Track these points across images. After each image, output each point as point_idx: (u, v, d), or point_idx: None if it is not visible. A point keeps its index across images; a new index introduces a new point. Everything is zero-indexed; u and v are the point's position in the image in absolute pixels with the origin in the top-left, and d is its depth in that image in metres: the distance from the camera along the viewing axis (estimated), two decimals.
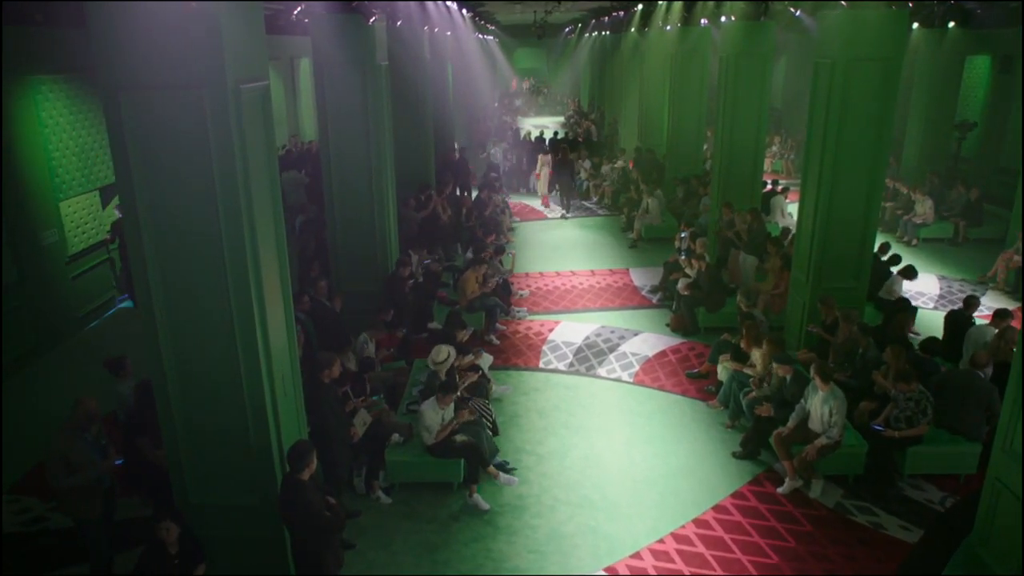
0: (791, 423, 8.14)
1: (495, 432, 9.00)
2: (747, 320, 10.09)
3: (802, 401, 8.17)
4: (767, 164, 23.22)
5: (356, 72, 10.95)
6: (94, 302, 13.04)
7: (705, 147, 21.27)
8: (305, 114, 25.65)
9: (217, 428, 5.96)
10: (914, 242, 16.75)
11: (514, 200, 21.54)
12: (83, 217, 12.96)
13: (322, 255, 12.44)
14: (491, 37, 38.33)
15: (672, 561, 7.01)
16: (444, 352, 8.68)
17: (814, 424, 8.01)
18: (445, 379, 8.29)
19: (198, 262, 5.52)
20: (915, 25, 18.74)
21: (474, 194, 19.65)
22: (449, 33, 21.67)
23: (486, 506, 7.78)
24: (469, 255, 13.40)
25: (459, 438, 7.96)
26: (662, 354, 11.37)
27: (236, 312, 5.62)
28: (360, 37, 10.87)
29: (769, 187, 17.20)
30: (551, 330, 12.34)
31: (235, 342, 5.68)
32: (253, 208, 5.54)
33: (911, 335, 10.76)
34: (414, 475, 8.09)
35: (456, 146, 22.64)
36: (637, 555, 7.09)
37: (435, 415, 7.90)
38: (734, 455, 8.66)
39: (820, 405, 7.88)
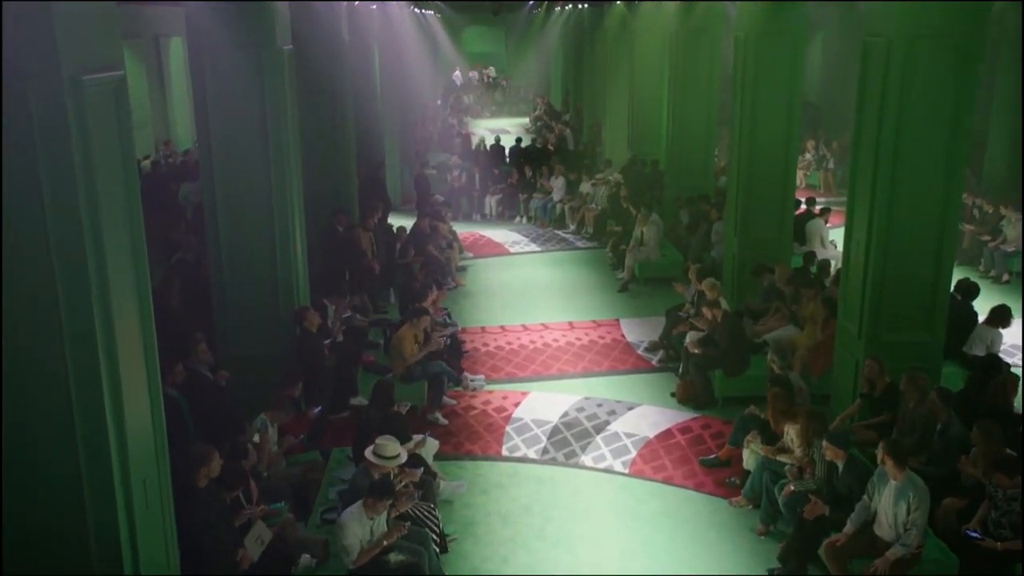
0: (850, 527, 8.02)
1: (443, 548, 8.85)
2: (775, 387, 9.94)
3: (865, 497, 8.07)
4: (800, 177, 23.52)
5: (249, 58, 10.85)
6: None
7: (716, 155, 21.48)
8: (179, 114, 25.53)
9: (47, 560, 5.66)
10: (1005, 277, 16.89)
11: (464, 230, 21.57)
12: None
13: (199, 306, 12.19)
14: (432, 12, 38.73)
15: None
16: (395, 447, 8.51)
17: (882, 528, 7.90)
18: (377, 478, 8.12)
19: (21, 322, 5.27)
20: None
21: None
22: (375, 7, 21.76)
23: None
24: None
25: (394, 557, 7.82)
26: (667, 434, 11.33)
27: (76, 391, 5.39)
28: (253, 12, 10.82)
29: (803, 208, 17.39)
30: (517, 404, 12.27)
31: (74, 435, 5.44)
32: (103, 241, 5.34)
33: None
34: None
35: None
36: None
37: (361, 527, 7.70)
38: (771, 573, 8.55)
39: (893, 501, 7.75)
